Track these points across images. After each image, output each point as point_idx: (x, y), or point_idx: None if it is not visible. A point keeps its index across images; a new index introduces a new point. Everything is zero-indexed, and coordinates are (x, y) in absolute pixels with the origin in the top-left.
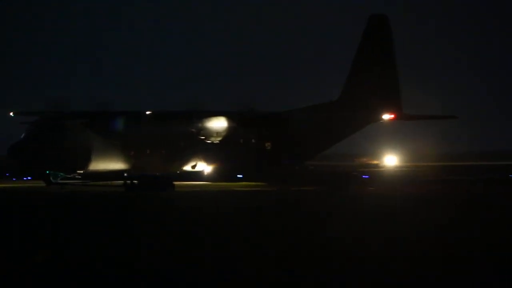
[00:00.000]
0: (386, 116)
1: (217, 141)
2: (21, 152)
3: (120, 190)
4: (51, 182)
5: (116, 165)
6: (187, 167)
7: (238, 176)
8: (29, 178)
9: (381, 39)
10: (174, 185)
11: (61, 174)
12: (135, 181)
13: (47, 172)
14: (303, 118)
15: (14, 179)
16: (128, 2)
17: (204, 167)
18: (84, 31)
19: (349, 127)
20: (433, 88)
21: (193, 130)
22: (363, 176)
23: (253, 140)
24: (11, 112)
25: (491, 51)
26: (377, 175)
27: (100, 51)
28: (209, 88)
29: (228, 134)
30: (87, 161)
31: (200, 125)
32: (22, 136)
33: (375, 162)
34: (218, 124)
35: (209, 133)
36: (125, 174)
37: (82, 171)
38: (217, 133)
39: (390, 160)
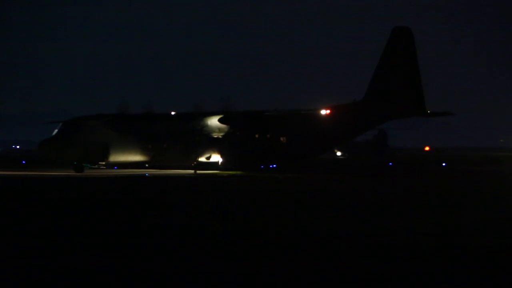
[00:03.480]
0: (408, 113)
1: (237, 136)
2: (48, 146)
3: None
4: (81, 170)
5: (135, 157)
6: (203, 159)
7: (271, 166)
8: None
9: (403, 50)
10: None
11: (88, 164)
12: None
13: (75, 163)
14: (323, 116)
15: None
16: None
17: (218, 158)
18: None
19: (369, 124)
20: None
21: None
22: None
23: (269, 135)
24: (45, 121)
25: None
26: None
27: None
28: (239, 88)
29: (245, 130)
30: (107, 154)
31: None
32: (52, 134)
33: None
34: (237, 122)
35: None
36: (146, 165)
37: (103, 163)
38: (234, 130)
39: None
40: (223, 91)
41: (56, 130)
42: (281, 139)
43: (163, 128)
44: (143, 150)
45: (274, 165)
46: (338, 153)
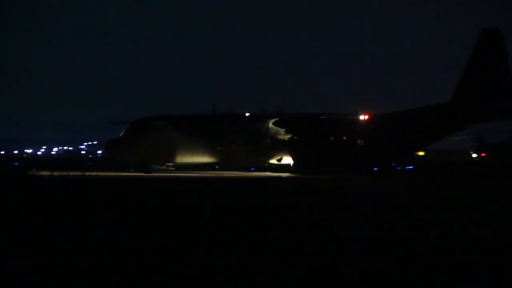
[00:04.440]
0: (499, 117)
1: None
2: (115, 146)
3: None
4: (150, 171)
5: (203, 158)
6: (274, 161)
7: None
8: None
9: (493, 52)
10: None
11: (156, 166)
12: None
13: (141, 164)
14: (406, 118)
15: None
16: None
17: (290, 160)
18: None
19: (456, 126)
20: None
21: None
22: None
23: (347, 138)
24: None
25: None
26: None
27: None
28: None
29: (321, 133)
30: (174, 155)
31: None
32: (120, 134)
33: None
34: (306, 125)
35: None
36: (216, 167)
37: (171, 164)
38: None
39: None
40: (278, 93)
41: (123, 131)
42: (358, 141)
43: (231, 129)
44: (211, 151)
45: (410, 167)
46: (474, 155)
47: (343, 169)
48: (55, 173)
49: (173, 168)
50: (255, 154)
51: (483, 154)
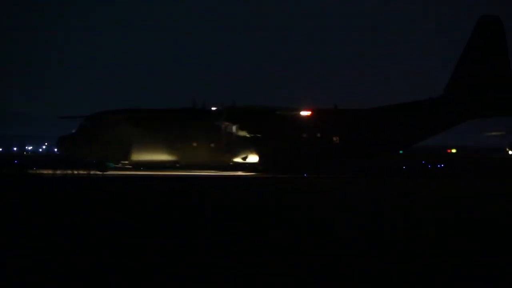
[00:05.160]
0: (495, 112)
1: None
2: (68, 143)
3: None
4: (105, 170)
5: (162, 156)
6: (238, 159)
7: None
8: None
9: (491, 40)
10: None
11: (111, 164)
12: None
13: (94, 161)
14: (389, 114)
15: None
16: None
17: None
18: None
19: (448, 123)
20: None
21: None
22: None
23: (318, 135)
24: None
25: None
26: None
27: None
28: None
29: (288, 129)
30: (130, 152)
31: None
32: (73, 130)
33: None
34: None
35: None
36: (177, 165)
37: (126, 162)
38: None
39: None
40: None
41: (77, 126)
42: (334, 139)
43: (193, 124)
44: (170, 148)
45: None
46: (510, 152)
47: (314, 168)
48: (55, 172)
49: (130, 167)
50: (218, 152)
51: None
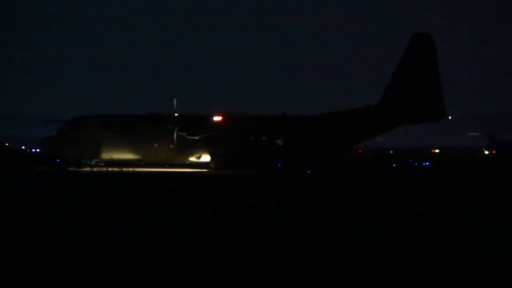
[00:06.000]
0: (424, 119)
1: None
2: (49, 144)
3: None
4: (81, 167)
5: (127, 155)
6: (193, 158)
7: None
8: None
9: (423, 57)
10: None
11: (87, 161)
12: None
13: (71, 159)
14: (329, 121)
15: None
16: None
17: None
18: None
19: (381, 128)
20: None
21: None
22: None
23: (264, 138)
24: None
25: None
26: None
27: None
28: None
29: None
30: (99, 151)
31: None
32: (54, 133)
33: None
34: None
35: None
36: (142, 163)
37: (97, 160)
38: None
39: None
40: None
41: (58, 129)
42: (278, 141)
43: (155, 128)
44: (135, 148)
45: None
46: (486, 152)
47: (259, 166)
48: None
49: (103, 164)
50: (176, 152)
51: (494, 152)
